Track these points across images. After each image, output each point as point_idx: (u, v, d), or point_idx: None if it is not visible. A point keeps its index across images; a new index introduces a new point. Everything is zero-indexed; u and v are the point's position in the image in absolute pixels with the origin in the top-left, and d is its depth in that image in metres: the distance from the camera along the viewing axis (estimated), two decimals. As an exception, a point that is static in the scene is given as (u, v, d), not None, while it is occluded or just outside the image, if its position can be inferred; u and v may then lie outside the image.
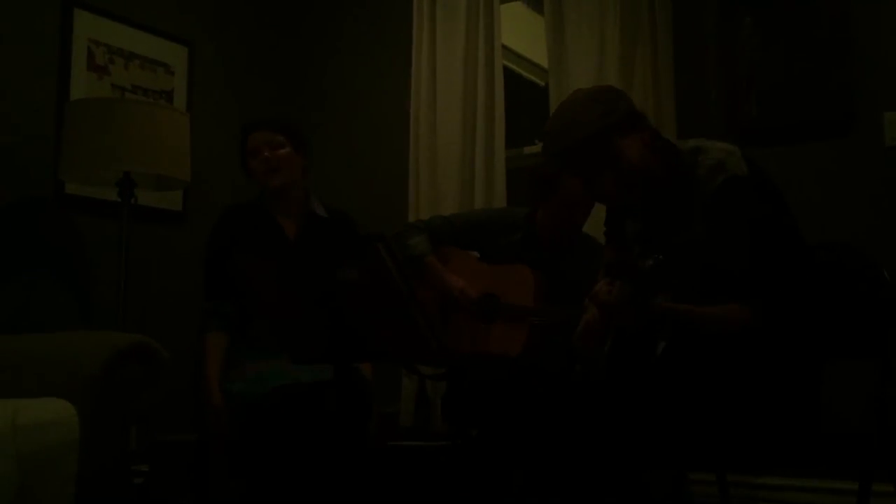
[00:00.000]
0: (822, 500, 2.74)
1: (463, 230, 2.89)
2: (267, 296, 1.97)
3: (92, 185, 3.20)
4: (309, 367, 2.40)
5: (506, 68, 3.78)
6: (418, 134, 3.68)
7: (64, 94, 3.26)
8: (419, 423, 3.46)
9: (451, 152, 3.60)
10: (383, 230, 1.87)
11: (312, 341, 1.94)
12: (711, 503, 2.38)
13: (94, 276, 3.30)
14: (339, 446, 2.33)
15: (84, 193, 3.27)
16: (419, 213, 3.58)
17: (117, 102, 3.18)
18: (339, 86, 4.13)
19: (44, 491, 1.78)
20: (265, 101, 4.02)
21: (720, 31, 3.17)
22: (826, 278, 1.96)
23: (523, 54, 4.53)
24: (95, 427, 1.93)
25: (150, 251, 3.45)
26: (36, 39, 3.23)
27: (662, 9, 3.20)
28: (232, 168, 2.94)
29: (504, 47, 3.74)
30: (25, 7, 3.21)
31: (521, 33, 4.41)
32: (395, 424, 3.47)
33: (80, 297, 3.29)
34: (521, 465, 2.25)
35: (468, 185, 3.56)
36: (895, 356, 1.92)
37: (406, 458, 2.89)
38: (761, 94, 3.06)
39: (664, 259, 1.63)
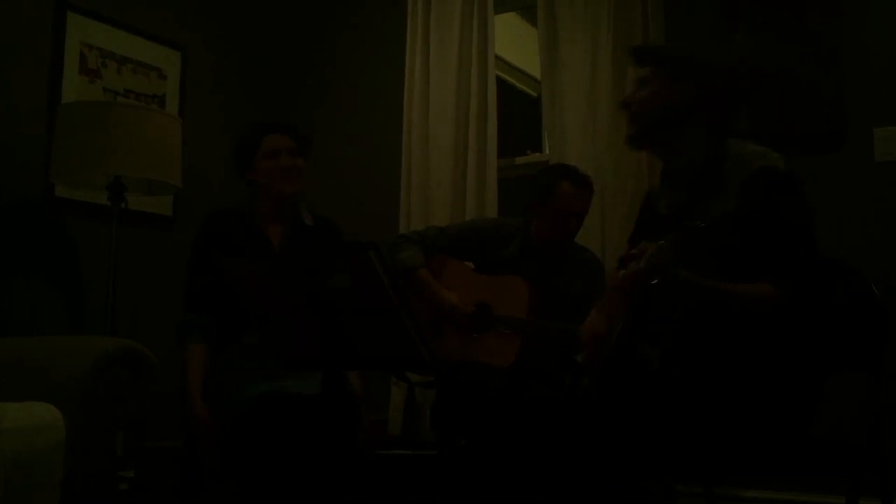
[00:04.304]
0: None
1: (458, 241, 2.90)
2: (258, 301, 1.96)
3: (82, 189, 3.19)
4: (300, 375, 2.38)
5: (498, 78, 3.79)
6: (411, 142, 3.68)
7: (56, 97, 3.25)
8: (408, 431, 3.45)
9: (444, 161, 3.60)
10: (375, 238, 1.87)
11: (303, 347, 1.94)
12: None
13: (84, 280, 3.29)
14: (329, 454, 2.32)
15: (74, 197, 3.25)
16: (411, 222, 3.58)
17: (109, 106, 3.17)
18: (331, 94, 4.13)
19: (28, 496, 1.77)
20: (257, 107, 4.01)
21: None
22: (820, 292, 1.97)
23: (516, 65, 4.55)
24: (81, 432, 1.91)
25: (140, 256, 3.44)
26: (28, 42, 3.22)
27: (655, 22, 3.22)
28: (223, 174, 2.92)
29: (497, 57, 3.75)
30: (18, 10, 3.20)
31: (515, 44, 4.42)
32: (384, 433, 3.45)
33: (69, 300, 3.28)
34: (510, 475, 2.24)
35: (460, 193, 3.57)
36: (885, 369, 1.93)
37: (394, 466, 2.88)
38: (752, 109, 3.07)
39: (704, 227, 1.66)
